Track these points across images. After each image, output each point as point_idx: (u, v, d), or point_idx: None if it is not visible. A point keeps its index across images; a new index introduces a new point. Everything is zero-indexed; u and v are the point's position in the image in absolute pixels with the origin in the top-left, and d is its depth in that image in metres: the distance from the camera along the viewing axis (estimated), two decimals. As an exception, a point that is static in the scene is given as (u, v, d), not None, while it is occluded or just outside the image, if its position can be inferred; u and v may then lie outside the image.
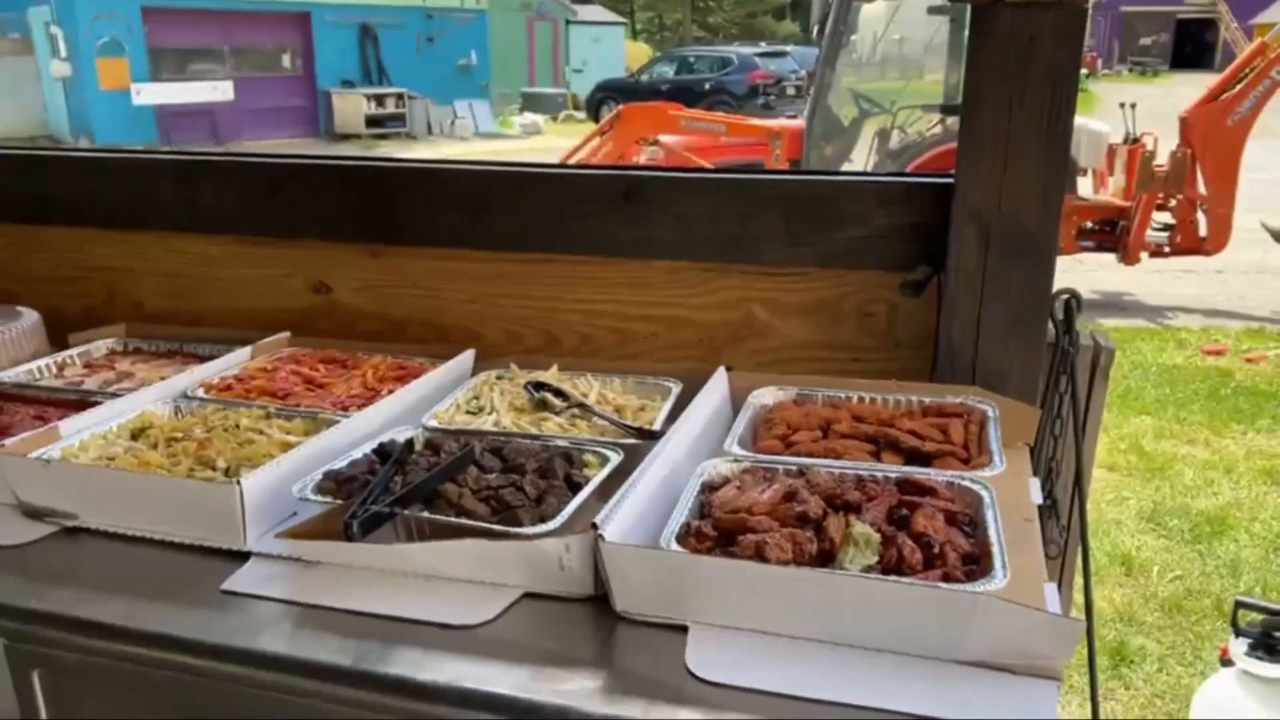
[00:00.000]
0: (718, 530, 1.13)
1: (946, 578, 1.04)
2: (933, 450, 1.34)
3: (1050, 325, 1.52)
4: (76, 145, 16.64)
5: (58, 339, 1.91)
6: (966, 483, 1.22)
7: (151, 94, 19.06)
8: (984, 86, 1.44)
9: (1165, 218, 8.03)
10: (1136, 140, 7.84)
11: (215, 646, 1.08)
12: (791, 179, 1.98)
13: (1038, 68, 1.40)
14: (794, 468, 1.28)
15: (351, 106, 21.50)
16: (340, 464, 1.32)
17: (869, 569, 1.06)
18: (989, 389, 1.50)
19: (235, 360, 1.76)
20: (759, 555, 1.06)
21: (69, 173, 2.17)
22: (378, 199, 1.93)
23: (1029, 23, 1.39)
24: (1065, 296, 1.50)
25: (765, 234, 1.71)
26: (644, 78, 24.24)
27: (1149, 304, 8.00)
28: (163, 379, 1.67)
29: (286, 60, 22.17)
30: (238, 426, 1.48)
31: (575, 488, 1.25)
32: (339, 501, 1.23)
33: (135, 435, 1.48)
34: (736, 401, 1.55)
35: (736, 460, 1.32)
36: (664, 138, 8.78)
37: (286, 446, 1.38)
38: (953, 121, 7.76)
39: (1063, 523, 1.60)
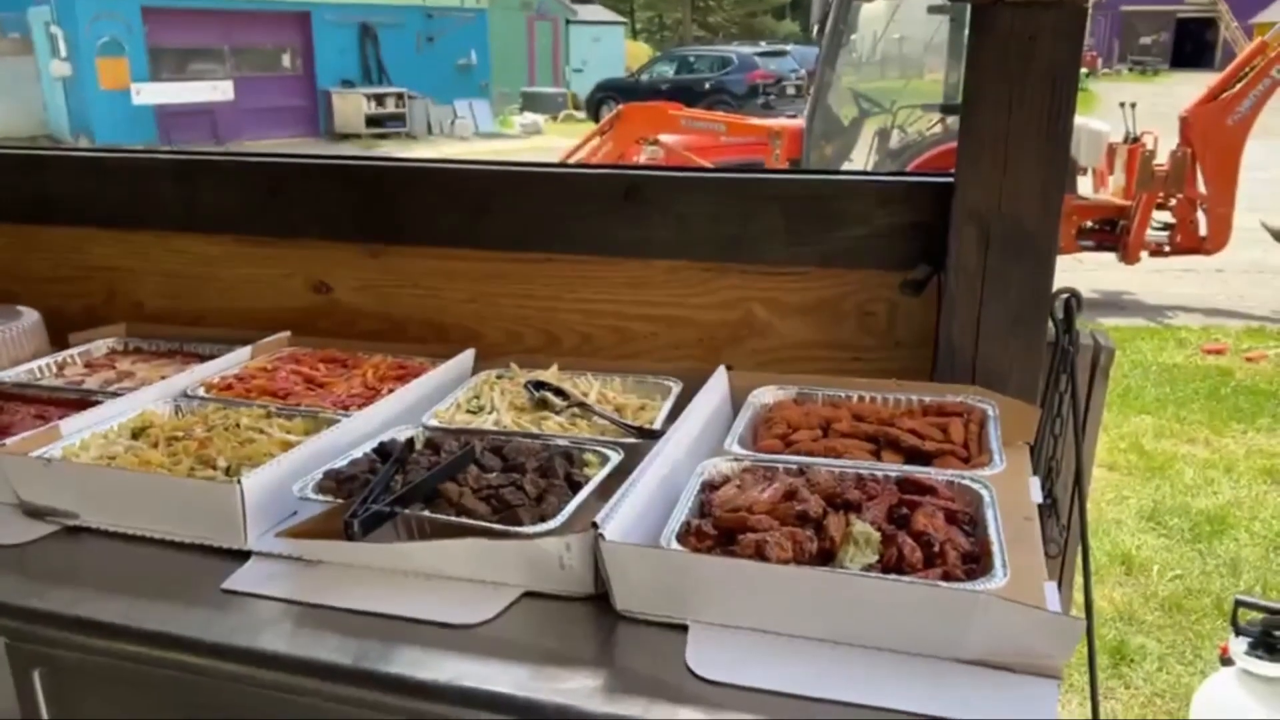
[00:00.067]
0: (718, 529, 1.13)
1: (947, 576, 1.04)
2: (933, 449, 1.35)
3: (1050, 324, 1.52)
4: (76, 145, 16.62)
5: (58, 339, 1.91)
6: (966, 482, 1.22)
7: (151, 94, 19.04)
8: (984, 86, 1.44)
9: (1165, 217, 8.02)
10: (1136, 139, 7.84)
11: (216, 645, 1.08)
12: (791, 178, 1.98)
13: (1038, 67, 1.40)
14: (794, 467, 1.28)
15: (351, 106, 21.48)
16: (341, 463, 1.32)
17: (869, 568, 1.06)
18: (989, 388, 1.50)
19: (235, 360, 1.76)
20: (759, 554, 1.06)
21: (69, 172, 2.17)
22: (378, 199, 1.93)
23: (1029, 22, 1.39)
24: (1065, 296, 1.50)
25: (765, 233, 1.71)
26: (644, 77, 24.22)
27: (1149, 303, 7.99)
28: (163, 378, 1.67)
29: (286, 60, 22.15)
30: (238, 426, 1.48)
31: (575, 487, 1.25)
32: (339, 501, 1.23)
33: (136, 434, 1.48)
34: (736, 401, 1.55)
35: (737, 459, 1.32)
36: (664, 137, 8.77)
37: (287, 446, 1.38)
38: (953, 121, 7.75)
39: (1063, 522, 1.60)
